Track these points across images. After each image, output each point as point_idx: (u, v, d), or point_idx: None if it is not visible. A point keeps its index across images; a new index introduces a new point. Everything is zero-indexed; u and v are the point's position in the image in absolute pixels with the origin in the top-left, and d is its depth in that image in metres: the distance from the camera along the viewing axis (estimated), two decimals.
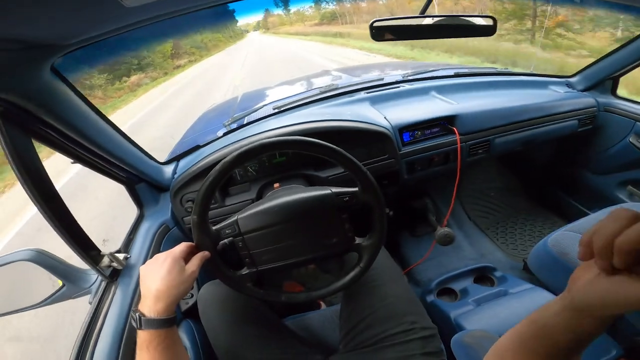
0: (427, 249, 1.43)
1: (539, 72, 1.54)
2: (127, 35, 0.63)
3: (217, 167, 0.62)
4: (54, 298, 0.75)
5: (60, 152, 0.73)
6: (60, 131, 0.67)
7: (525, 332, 0.38)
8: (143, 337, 0.53)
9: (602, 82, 1.41)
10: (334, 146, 0.63)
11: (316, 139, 0.63)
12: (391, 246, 1.61)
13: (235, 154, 0.61)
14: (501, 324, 0.87)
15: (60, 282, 0.75)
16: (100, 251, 0.78)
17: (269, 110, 1.34)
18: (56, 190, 0.68)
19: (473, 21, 0.88)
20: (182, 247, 0.63)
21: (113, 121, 0.84)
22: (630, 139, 1.34)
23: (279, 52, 17.24)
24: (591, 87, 1.44)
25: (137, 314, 0.54)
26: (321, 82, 2.00)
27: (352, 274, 0.70)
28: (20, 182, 0.60)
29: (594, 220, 1.12)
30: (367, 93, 1.31)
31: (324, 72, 2.54)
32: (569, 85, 1.48)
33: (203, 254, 0.64)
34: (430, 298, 1.21)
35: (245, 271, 0.69)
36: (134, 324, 0.55)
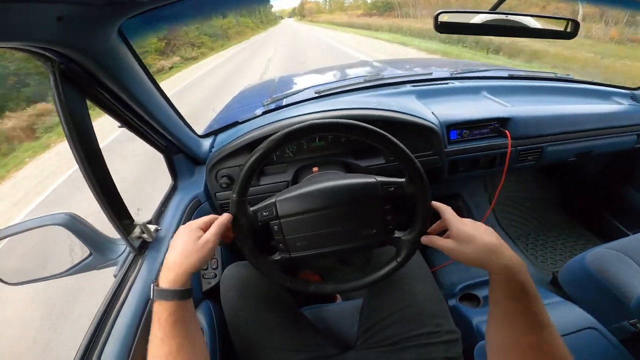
0: None
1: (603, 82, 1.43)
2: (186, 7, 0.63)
3: (263, 144, 0.59)
4: (79, 268, 0.75)
5: (111, 115, 0.74)
6: (114, 94, 0.68)
7: (502, 313, 0.50)
8: (155, 309, 0.52)
9: None
10: (387, 134, 0.60)
11: (367, 125, 0.60)
12: None
13: (284, 131, 0.58)
14: None
15: (87, 252, 0.74)
16: (133, 220, 0.77)
17: (310, 93, 1.31)
18: (102, 154, 0.67)
19: (551, 23, 0.83)
20: (204, 218, 0.61)
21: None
22: None
23: (317, 44, 15.67)
24: None
25: (152, 285, 0.53)
26: (362, 71, 1.96)
27: (387, 268, 0.67)
28: (69, 141, 0.60)
29: (635, 240, 1.06)
30: (414, 86, 1.27)
31: (364, 63, 2.48)
32: (633, 97, 1.37)
33: (221, 221, 0.60)
34: (453, 302, 1.18)
35: (277, 257, 0.66)
36: (157, 295, 0.52)
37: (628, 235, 1.12)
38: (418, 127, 1.01)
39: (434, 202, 0.63)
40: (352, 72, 2.09)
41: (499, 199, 1.73)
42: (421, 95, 1.23)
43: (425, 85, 1.29)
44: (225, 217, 0.61)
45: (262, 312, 0.76)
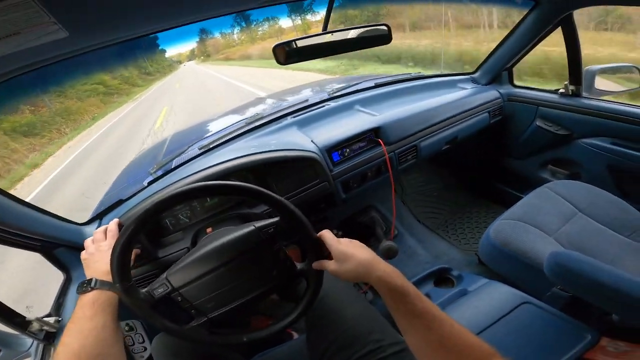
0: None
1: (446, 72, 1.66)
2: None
3: (121, 232, 0.59)
4: None
5: None
6: None
7: (402, 318, 0.53)
8: (87, 297, 0.62)
9: (500, 74, 1.57)
10: (238, 183, 0.63)
11: (212, 181, 0.63)
12: None
13: (131, 220, 0.59)
14: (468, 324, 0.86)
15: None
16: (25, 317, 0.76)
17: (195, 151, 1.27)
18: None
19: (370, 32, 0.90)
20: (96, 234, 0.78)
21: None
22: (537, 123, 1.48)
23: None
24: (492, 80, 1.59)
25: (87, 280, 0.64)
26: (250, 112, 1.97)
27: (304, 300, 0.69)
28: None
29: (526, 204, 1.18)
30: (294, 117, 1.30)
31: (256, 101, 2.52)
32: (473, 80, 1.62)
33: (111, 229, 0.78)
34: None
35: (195, 322, 0.66)
36: (83, 288, 0.63)
37: (522, 197, 1.24)
38: (300, 160, 1.02)
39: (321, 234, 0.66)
40: (244, 112, 2.10)
41: (410, 197, 1.87)
42: (301, 124, 1.26)
43: (304, 113, 1.33)
44: (113, 223, 0.79)
45: None
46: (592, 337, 0.77)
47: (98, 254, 0.73)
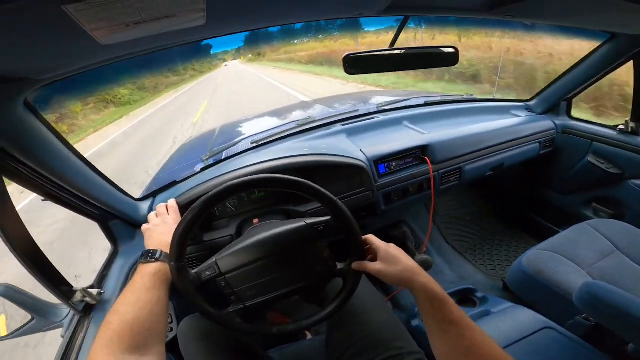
0: None
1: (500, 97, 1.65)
2: (102, 69, 0.64)
3: (187, 213, 0.61)
4: (23, 331, 0.74)
5: (31, 189, 0.71)
6: (31, 167, 0.66)
7: (435, 325, 0.56)
8: (146, 267, 0.64)
9: (558, 105, 1.53)
10: (300, 179, 0.65)
11: (282, 175, 0.65)
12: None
13: (201, 200, 0.61)
14: None
15: (29, 316, 0.74)
16: (72, 287, 0.77)
17: (247, 144, 1.34)
18: (24, 227, 0.67)
19: (438, 52, 0.94)
20: (159, 209, 0.84)
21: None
22: (589, 159, 1.44)
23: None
24: (548, 110, 1.56)
25: (153, 251, 0.67)
26: (298, 115, 2.05)
27: (338, 299, 0.71)
28: None
29: (564, 238, 1.18)
30: (343, 125, 1.36)
31: (302, 104, 2.60)
32: (528, 109, 1.59)
33: (171, 205, 0.86)
34: (416, 322, 1.21)
35: (232, 308, 0.69)
36: (147, 259, 0.65)
37: (558, 232, 1.25)
38: (348, 167, 1.07)
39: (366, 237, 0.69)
40: (292, 114, 2.18)
41: (442, 218, 1.86)
42: (350, 133, 1.31)
43: (353, 122, 1.38)
44: (172, 200, 0.88)
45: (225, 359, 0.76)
46: None
47: (164, 226, 0.76)
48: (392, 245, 0.66)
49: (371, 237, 0.68)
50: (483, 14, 0.81)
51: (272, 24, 0.67)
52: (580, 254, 1.12)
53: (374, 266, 0.63)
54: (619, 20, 0.93)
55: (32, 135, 0.64)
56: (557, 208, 1.66)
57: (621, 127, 1.34)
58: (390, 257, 0.62)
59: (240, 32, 0.66)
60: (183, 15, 0.43)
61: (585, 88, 1.41)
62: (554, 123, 1.50)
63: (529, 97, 1.62)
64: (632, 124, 1.30)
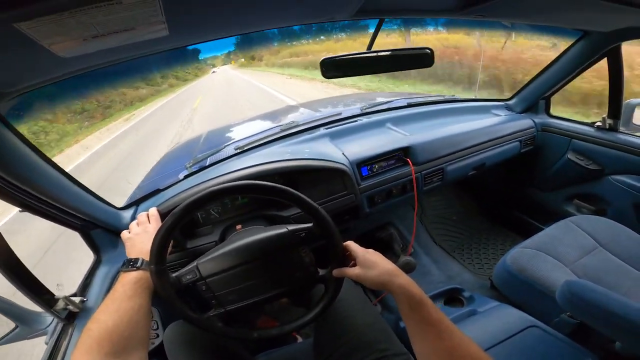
0: None
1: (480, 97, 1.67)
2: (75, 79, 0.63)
3: (168, 217, 0.63)
4: (7, 339, 0.74)
5: (6, 201, 0.70)
6: (5, 179, 0.64)
7: (414, 326, 0.56)
8: (128, 276, 0.65)
9: (536, 103, 1.56)
10: (282, 186, 0.66)
11: (260, 181, 0.66)
12: None
13: (182, 205, 0.62)
14: (474, 341, 0.89)
15: (13, 324, 0.74)
16: (54, 295, 0.78)
17: (231, 150, 1.34)
18: (2, 237, 0.68)
19: (413, 53, 0.95)
20: (140, 217, 0.84)
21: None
22: (569, 156, 1.47)
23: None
24: (527, 109, 1.59)
25: (134, 259, 0.67)
26: (284, 119, 2.05)
27: (320, 305, 0.72)
28: None
29: (546, 235, 1.20)
30: (327, 129, 1.36)
31: (288, 108, 2.60)
32: (508, 107, 1.62)
33: (152, 213, 0.86)
34: (404, 324, 1.21)
35: (213, 312, 0.70)
36: (128, 268, 0.66)
37: (542, 228, 1.26)
38: (330, 171, 1.07)
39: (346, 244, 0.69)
40: (277, 119, 2.17)
41: (429, 218, 1.88)
42: (333, 136, 1.31)
43: (337, 125, 1.38)
44: (154, 209, 0.88)
45: None
46: None
47: (145, 234, 0.77)
48: (370, 250, 0.67)
49: (350, 244, 0.69)
50: (455, 15, 0.83)
51: (241, 31, 0.67)
52: (563, 251, 1.13)
53: (353, 271, 0.64)
54: (592, 18, 0.95)
55: (4, 147, 0.62)
56: (540, 205, 1.68)
57: (598, 124, 1.37)
58: (368, 262, 0.63)
59: (210, 40, 0.66)
60: (143, 28, 0.43)
61: (563, 86, 1.44)
62: (534, 121, 1.53)
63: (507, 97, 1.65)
64: (609, 121, 1.32)
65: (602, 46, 1.18)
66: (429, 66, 0.96)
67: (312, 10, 0.65)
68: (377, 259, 0.63)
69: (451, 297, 1.31)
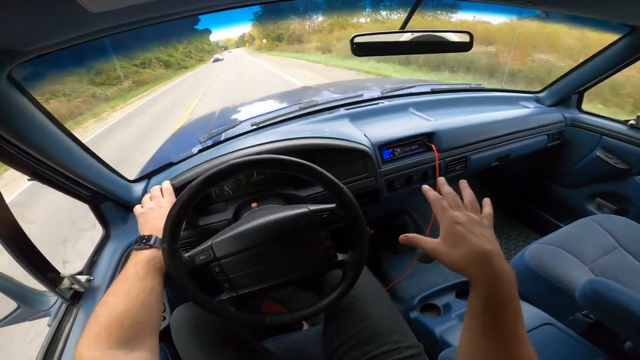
0: (408, 267, 1.42)
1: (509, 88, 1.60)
2: (91, 44, 0.59)
3: (185, 191, 0.59)
4: (8, 320, 0.71)
5: (16, 168, 0.67)
6: (16, 145, 0.62)
7: (470, 327, 0.45)
8: (140, 254, 0.61)
9: (569, 97, 1.49)
10: (307, 162, 0.62)
11: (287, 156, 0.62)
12: (373, 264, 1.59)
13: (202, 177, 0.58)
14: None
15: (15, 305, 0.70)
16: (59, 273, 0.74)
17: (247, 126, 1.30)
18: (9, 210, 0.64)
19: (450, 37, 0.90)
20: (153, 191, 0.81)
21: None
22: (597, 153, 1.41)
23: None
24: (558, 103, 1.52)
25: (147, 236, 0.64)
26: (300, 98, 2.00)
27: (337, 291, 0.68)
28: None
29: (567, 232, 1.16)
30: (347, 110, 1.31)
31: (304, 89, 2.54)
32: (537, 100, 1.55)
33: (166, 187, 0.82)
34: (414, 314, 1.20)
35: (225, 296, 0.66)
36: (140, 245, 0.63)
37: (560, 226, 1.23)
38: (351, 151, 1.04)
39: (424, 188, 0.58)
40: (293, 98, 2.12)
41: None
42: (354, 117, 1.27)
43: (358, 107, 1.34)
44: (167, 182, 0.85)
45: (219, 350, 0.73)
46: None
47: (159, 209, 0.73)
48: (462, 218, 0.48)
49: (434, 202, 0.53)
50: (504, 1, 0.77)
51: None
52: (582, 250, 1.11)
53: (428, 242, 0.50)
54: None
55: (18, 112, 0.59)
56: (560, 202, 1.64)
57: (632, 122, 1.31)
58: (455, 237, 0.47)
59: (241, 4, 0.61)
60: None
61: (599, 81, 1.37)
62: (564, 116, 1.47)
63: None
64: None
65: None
66: (467, 50, 0.91)
67: None
68: (468, 234, 0.46)
69: (463, 290, 1.29)
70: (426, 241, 0.51)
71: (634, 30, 1.10)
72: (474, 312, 0.44)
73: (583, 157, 1.46)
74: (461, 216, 0.49)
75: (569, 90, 1.45)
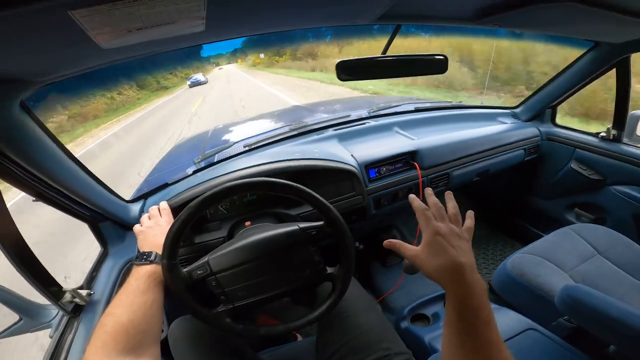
0: (398, 278, 1.46)
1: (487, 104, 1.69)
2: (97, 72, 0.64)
3: (184, 211, 0.64)
4: (10, 331, 0.73)
5: (22, 189, 0.71)
6: (24, 168, 0.66)
7: (448, 335, 0.48)
8: (142, 269, 0.65)
9: (543, 112, 1.58)
10: (296, 184, 0.68)
11: (278, 179, 0.67)
12: (364, 277, 1.63)
13: (200, 198, 0.64)
14: None
15: (17, 317, 0.73)
16: (61, 287, 0.77)
17: (239, 148, 1.35)
18: (14, 224, 0.67)
19: (427, 59, 0.96)
20: (151, 211, 0.84)
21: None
22: (572, 165, 1.48)
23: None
24: (533, 117, 1.61)
25: (147, 252, 0.68)
26: (291, 119, 2.06)
27: (327, 302, 0.73)
28: None
29: (547, 242, 1.22)
30: (335, 130, 1.37)
31: (295, 108, 2.61)
32: (514, 116, 1.64)
33: (164, 207, 0.86)
34: (405, 324, 1.23)
35: (221, 308, 0.70)
36: (141, 261, 0.66)
37: (542, 236, 1.29)
38: (339, 172, 1.09)
39: (411, 197, 0.60)
40: (284, 118, 2.19)
41: None
42: (342, 138, 1.33)
43: (345, 127, 1.40)
44: (164, 203, 0.88)
45: None
46: None
47: (157, 227, 0.77)
48: (444, 229, 0.51)
49: (418, 208, 0.55)
50: (472, 23, 0.84)
51: (268, 30, 0.69)
52: (562, 258, 1.16)
53: (410, 250, 0.53)
54: (605, 29, 0.97)
55: (27, 136, 0.64)
56: (540, 213, 1.71)
57: (603, 134, 1.38)
58: (436, 247, 0.49)
59: (236, 37, 0.68)
60: (183, 22, 0.45)
61: (570, 95, 1.46)
62: (539, 130, 1.55)
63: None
64: (613, 131, 1.34)
65: (612, 57, 1.20)
66: (442, 72, 0.98)
67: (338, 15, 0.67)
68: (448, 246, 0.49)
69: None
70: (407, 248, 0.54)
71: (598, 45, 1.20)
72: (450, 320, 0.47)
73: (559, 169, 1.54)
74: (443, 228, 0.51)
75: (543, 105, 1.54)
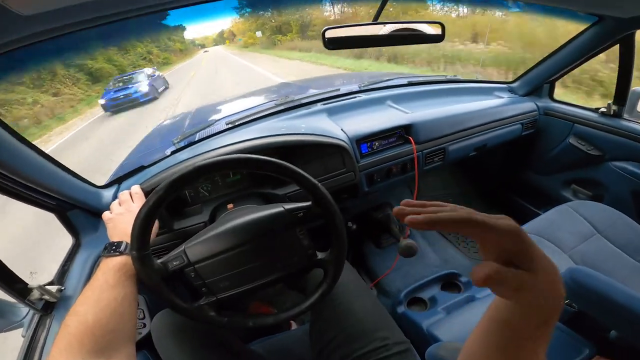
0: (393, 260, 1.42)
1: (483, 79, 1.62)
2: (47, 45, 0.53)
3: (150, 196, 0.56)
4: None
5: None
6: None
7: (489, 332, 0.38)
8: (110, 262, 0.59)
9: (541, 87, 1.52)
10: (277, 160, 0.60)
11: (257, 155, 0.59)
12: (358, 259, 1.59)
13: (167, 181, 0.56)
14: (472, 329, 0.88)
15: None
16: (27, 284, 0.73)
17: (222, 125, 1.27)
18: None
19: (423, 28, 0.89)
20: (122, 196, 0.77)
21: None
22: (570, 140, 1.44)
23: None
24: (531, 92, 1.55)
25: (117, 243, 0.62)
26: (277, 95, 1.96)
27: (320, 290, 0.68)
28: None
29: (545, 220, 1.18)
30: (324, 104, 1.29)
31: (282, 85, 2.50)
32: (511, 90, 1.58)
33: (135, 191, 0.79)
34: (401, 309, 1.20)
35: (204, 301, 0.64)
36: (109, 253, 0.60)
37: (539, 213, 1.25)
38: (328, 147, 1.02)
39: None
40: (270, 95, 2.08)
41: (426, 199, 1.84)
42: (331, 112, 1.25)
43: (335, 101, 1.31)
44: (137, 187, 0.80)
45: (200, 354, 0.72)
46: (590, 352, 0.79)
47: (128, 214, 0.70)
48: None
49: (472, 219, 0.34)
50: None
51: None
52: (561, 237, 1.13)
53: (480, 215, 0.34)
54: (608, 2, 0.91)
55: None
56: (536, 189, 1.68)
57: (603, 109, 1.34)
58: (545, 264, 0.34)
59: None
60: None
61: (569, 71, 1.40)
62: (537, 105, 1.50)
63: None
64: (614, 107, 1.30)
65: (617, 32, 1.14)
66: (439, 41, 0.90)
67: None
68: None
69: (448, 282, 1.30)
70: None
71: (602, 20, 1.13)
72: (504, 319, 0.34)
73: (557, 144, 1.50)
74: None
75: (541, 80, 1.48)
